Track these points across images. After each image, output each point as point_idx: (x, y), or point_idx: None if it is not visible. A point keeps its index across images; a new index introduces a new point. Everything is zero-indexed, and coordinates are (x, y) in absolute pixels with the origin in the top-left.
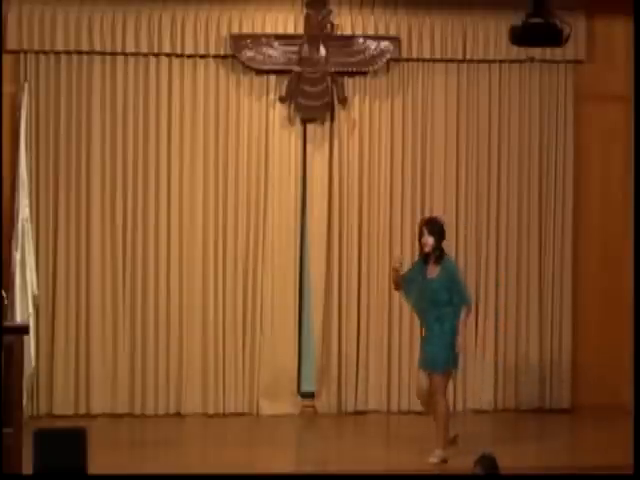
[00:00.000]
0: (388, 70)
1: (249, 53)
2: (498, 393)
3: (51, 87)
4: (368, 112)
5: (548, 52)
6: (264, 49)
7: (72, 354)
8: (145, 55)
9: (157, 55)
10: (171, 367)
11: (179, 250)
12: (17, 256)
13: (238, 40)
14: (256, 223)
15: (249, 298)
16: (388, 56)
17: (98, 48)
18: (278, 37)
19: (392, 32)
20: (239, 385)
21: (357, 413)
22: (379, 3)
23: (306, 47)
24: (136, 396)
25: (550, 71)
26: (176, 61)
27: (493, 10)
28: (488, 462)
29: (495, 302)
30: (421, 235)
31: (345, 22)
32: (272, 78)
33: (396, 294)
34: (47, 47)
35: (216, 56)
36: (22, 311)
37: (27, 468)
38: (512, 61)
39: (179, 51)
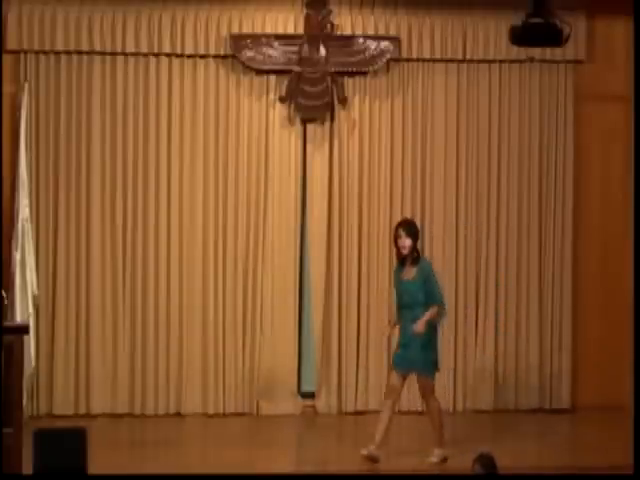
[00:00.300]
0: (388, 70)
1: (249, 53)
2: (498, 393)
3: (51, 87)
4: (368, 112)
5: (548, 52)
6: (264, 49)
7: (72, 354)
8: (145, 55)
9: (157, 55)
10: (171, 367)
11: (179, 250)
12: (17, 256)
13: (238, 40)
14: (256, 223)
15: (249, 298)
16: (388, 56)
17: (98, 48)
18: (278, 37)
19: (392, 32)
20: (239, 385)
21: (357, 413)
22: (379, 3)
23: (306, 47)
24: (136, 396)
25: (550, 71)
26: (176, 61)
27: (493, 10)
28: (487, 461)
29: (495, 302)
30: (397, 237)
31: (345, 22)
32: (272, 78)
33: None
34: (47, 47)
35: (216, 56)
36: (22, 311)
37: (27, 468)
38: (512, 61)
39: (179, 51)
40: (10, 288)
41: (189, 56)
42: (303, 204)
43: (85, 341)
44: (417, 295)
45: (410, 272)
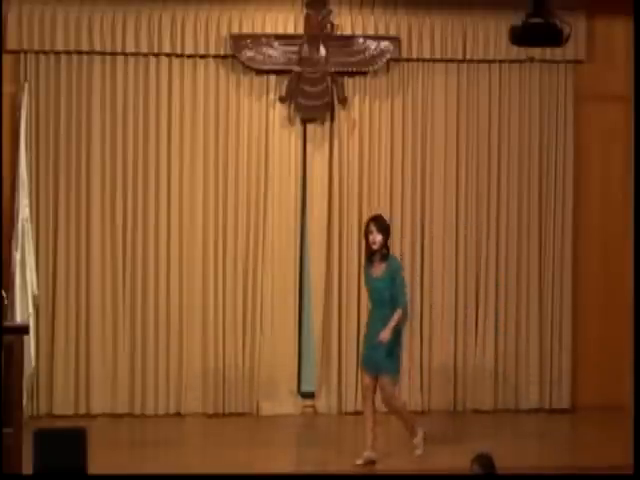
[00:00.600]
0: (388, 70)
1: (249, 53)
2: (498, 393)
3: (51, 87)
4: (368, 112)
5: (548, 52)
6: (264, 49)
7: (72, 354)
8: (145, 55)
9: (157, 55)
10: (171, 367)
11: (179, 250)
12: (17, 256)
13: (238, 40)
14: (256, 223)
15: (249, 298)
16: (388, 56)
17: (98, 48)
18: (278, 37)
19: (392, 32)
20: (239, 385)
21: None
22: (379, 3)
23: (306, 47)
24: (136, 396)
25: (550, 71)
26: (176, 61)
27: (493, 10)
28: (485, 460)
29: (495, 302)
30: (369, 233)
31: (345, 22)
32: (272, 78)
33: None
34: (47, 47)
35: (216, 56)
36: (22, 311)
37: (27, 468)
38: (512, 61)
39: (179, 51)
40: (10, 288)
41: (189, 56)
42: (303, 204)
43: (85, 341)
44: (384, 293)
45: (379, 269)
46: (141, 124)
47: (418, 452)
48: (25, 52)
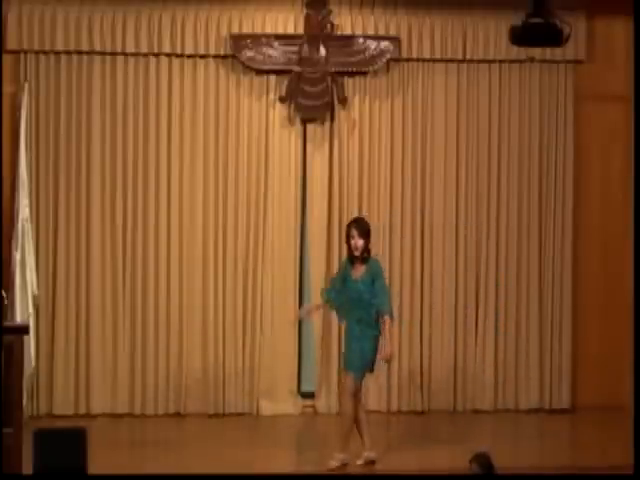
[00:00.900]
0: (388, 70)
1: (249, 53)
2: (498, 393)
3: (51, 87)
4: (368, 112)
5: (548, 52)
6: (264, 49)
7: (72, 354)
8: (145, 55)
9: (157, 55)
10: (171, 367)
11: (179, 250)
12: (17, 256)
13: (238, 40)
14: (256, 223)
15: (249, 298)
16: (388, 56)
17: (98, 48)
18: (278, 37)
19: (392, 32)
20: (239, 385)
21: None
22: (379, 3)
23: (306, 47)
24: (136, 396)
25: (550, 71)
26: (176, 61)
27: (493, 10)
28: (484, 460)
29: (495, 302)
30: (350, 237)
31: (345, 22)
32: (272, 78)
33: (397, 294)
34: (47, 47)
35: (216, 56)
36: (22, 311)
37: (27, 468)
38: (512, 61)
39: (179, 51)
40: (10, 288)
41: (189, 56)
42: (303, 204)
43: (85, 341)
44: (363, 295)
45: (359, 270)
46: (141, 124)
47: (333, 463)
48: (25, 52)
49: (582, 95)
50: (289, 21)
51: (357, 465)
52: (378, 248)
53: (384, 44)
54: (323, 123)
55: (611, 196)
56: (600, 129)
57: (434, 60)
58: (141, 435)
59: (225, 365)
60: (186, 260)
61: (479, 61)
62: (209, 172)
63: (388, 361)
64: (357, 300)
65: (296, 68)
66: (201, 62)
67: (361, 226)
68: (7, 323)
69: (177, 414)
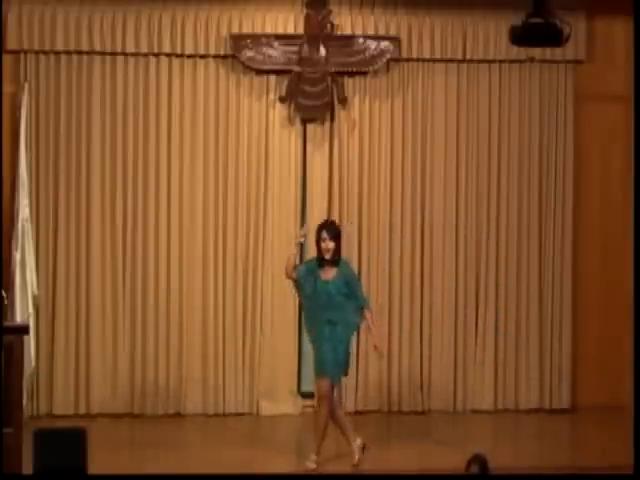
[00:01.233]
0: (388, 70)
1: (249, 53)
2: (498, 393)
3: (51, 87)
4: (368, 112)
5: (548, 52)
6: (264, 49)
7: (72, 354)
8: (145, 55)
9: (157, 55)
10: (171, 367)
11: (179, 250)
12: (17, 256)
13: (238, 40)
14: (256, 223)
15: (249, 298)
16: (388, 56)
17: (98, 48)
18: (278, 37)
19: (392, 32)
20: (239, 385)
21: (357, 413)
22: (379, 3)
23: (306, 47)
24: (136, 396)
25: (550, 71)
26: (176, 61)
27: (493, 10)
28: (482, 461)
29: (495, 302)
30: (321, 241)
31: (345, 22)
32: (272, 78)
33: (397, 294)
34: (47, 47)
35: (216, 56)
36: (22, 311)
37: (27, 468)
38: (512, 61)
39: (179, 51)
40: (10, 288)
41: (189, 56)
42: (303, 204)
43: (85, 341)
44: (335, 297)
45: (330, 272)
46: (141, 124)
47: (309, 465)
48: (25, 52)
49: (582, 95)
50: (289, 21)
51: (354, 465)
52: (378, 248)
53: (384, 44)
54: (323, 123)
55: (611, 196)
56: (600, 129)
57: (434, 60)
58: (141, 435)
59: (225, 365)
60: (186, 260)
61: (479, 61)
62: (209, 172)
63: (381, 351)
64: (327, 301)
65: (296, 68)
66: (201, 62)
67: (331, 229)
68: (7, 323)
69: (177, 414)
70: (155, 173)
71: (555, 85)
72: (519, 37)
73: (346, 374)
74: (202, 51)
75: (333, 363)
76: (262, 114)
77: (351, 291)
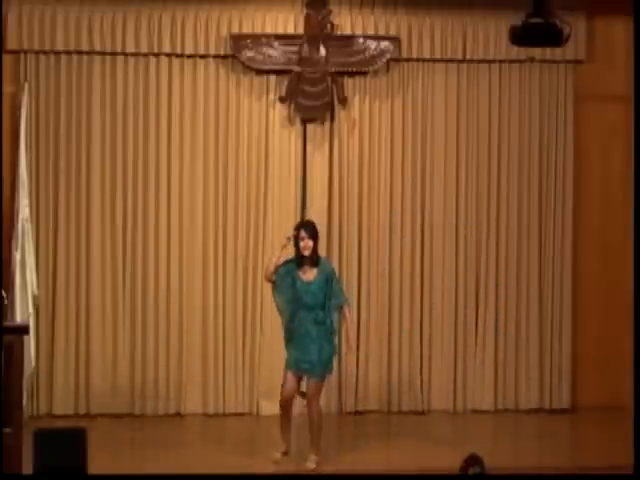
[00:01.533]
0: (388, 70)
1: (249, 53)
2: (498, 393)
3: (51, 87)
4: (368, 112)
5: (548, 52)
6: (264, 49)
7: (72, 354)
8: (145, 55)
9: (157, 55)
10: (171, 367)
11: (179, 250)
12: (17, 256)
13: (238, 40)
14: (256, 223)
15: (249, 298)
16: (388, 56)
17: (98, 48)
18: (278, 37)
19: (392, 32)
20: (239, 385)
21: (357, 413)
22: (379, 3)
23: (306, 47)
24: (136, 396)
25: (550, 71)
26: (176, 61)
27: (493, 10)
28: (481, 461)
29: (495, 302)
30: (300, 239)
31: (345, 22)
32: (272, 78)
33: (397, 294)
34: (47, 47)
35: (216, 56)
36: (22, 311)
37: (27, 468)
38: (512, 61)
39: (179, 51)
40: (10, 288)
41: (189, 56)
42: (303, 204)
43: (85, 341)
44: (318, 296)
45: (310, 273)
46: (141, 124)
47: (309, 464)
48: (25, 52)
49: (582, 95)
50: (289, 21)
51: (307, 469)
52: (378, 248)
53: (384, 44)
54: (323, 123)
55: (611, 196)
56: (600, 129)
57: (434, 60)
58: (141, 435)
59: (225, 365)
60: (186, 260)
61: (479, 61)
62: (209, 172)
63: (353, 348)
64: (312, 303)
65: (296, 68)
66: (201, 62)
67: (309, 229)
68: (7, 323)
69: (177, 414)
70: (155, 173)
71: (555, 85)
72: (519, 37)
73: (331, 372)
74: (202, 51)
75: (320, 363)
76: (262, 114)
77: (331, 288)
